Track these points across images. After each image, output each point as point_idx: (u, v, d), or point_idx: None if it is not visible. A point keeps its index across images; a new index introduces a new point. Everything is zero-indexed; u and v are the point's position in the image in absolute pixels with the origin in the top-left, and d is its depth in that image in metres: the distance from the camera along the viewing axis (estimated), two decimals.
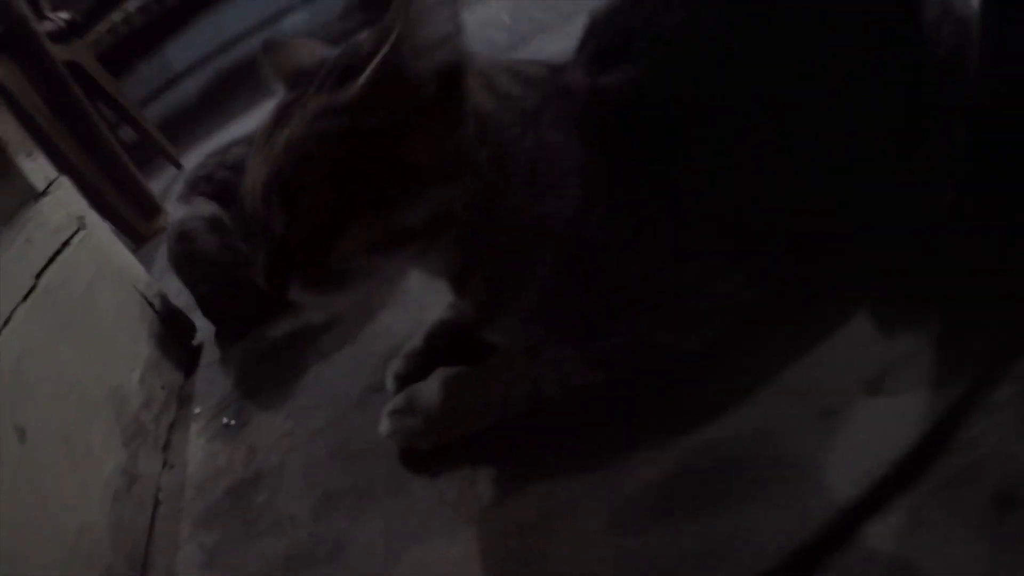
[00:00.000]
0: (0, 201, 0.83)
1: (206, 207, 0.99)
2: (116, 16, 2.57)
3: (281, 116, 0.49)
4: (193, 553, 0.69)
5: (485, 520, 0.54)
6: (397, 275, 0.89)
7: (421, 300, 0.88)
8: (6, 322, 0.70)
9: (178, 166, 2.19)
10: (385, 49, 0.44)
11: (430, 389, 0.62)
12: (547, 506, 0.52)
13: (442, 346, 0.70)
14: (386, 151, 0.46)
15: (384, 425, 0.64)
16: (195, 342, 1.12)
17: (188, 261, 0.98)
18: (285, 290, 0.50)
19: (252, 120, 2.14)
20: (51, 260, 0.83)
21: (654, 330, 0.53)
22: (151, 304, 1.03)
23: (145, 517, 0.76)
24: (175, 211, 1.01)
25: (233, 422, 0.86)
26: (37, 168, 0.90)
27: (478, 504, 0.55)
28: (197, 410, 0.93)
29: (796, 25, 0.50)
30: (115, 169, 1.61)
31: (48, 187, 0.91)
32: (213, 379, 0.99)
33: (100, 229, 1.00)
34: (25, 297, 0.75)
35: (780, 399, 0.50)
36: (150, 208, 1.71)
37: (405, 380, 0.68)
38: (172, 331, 1.05)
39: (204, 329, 1.12)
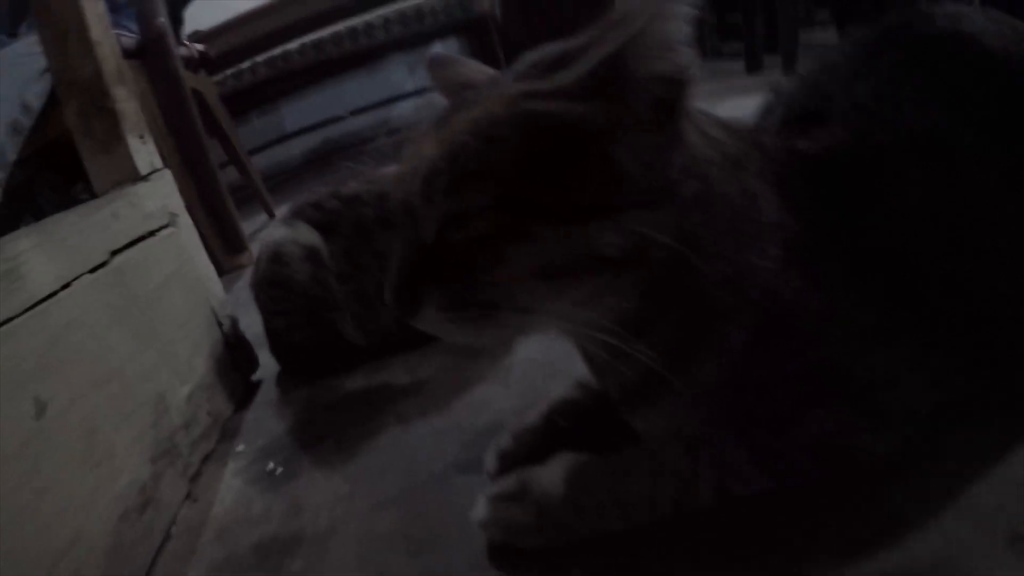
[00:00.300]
0: (102, 173, 0.76)
1: (308, 234, 0.91)
2: (244, 63, 2.72)
3: (456, 108, 0.42)
4: None
5: None
6: (503, 349, 0.84)
7: (529, 378, 0.76)
8: (65, 286, 0.60)
9: (271, 215, 2.19)
10: (619, 40, 0.37)
11: (550, 475, 0.48)
12: None
13: (565, 428, 0.56)
14: (591, 148, 0.38)
15: (481, 511, 0.49)
16: (254, 378, 1.00)
17: (275, 285, 0.89)
18: (414, 309, 0.40)
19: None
20: (132, 243, 0.75)
21: (841, 429, 0.44)
22: (220, 323, 0.94)
23: (150, 547, 0.61)
24: (273, 231, 0.93)
25: (280, 470, 0.72)
26: (145, 153, 0.84)
27: None
28: (240, 448, 0.79)
29: (965, 105, 0.46)
30: (212, 197, 1.59)
31: (150, 174, 0.85)
32: (265, 420, 0.86)
33: (189, 231, 0.92)
34: (94, 269, 0.66)
35: (963, 523, 0.41)
36: (236, 243, 1.68)
37: (510, 462, 0.55)
38: (234, 358, 0.94)
39: (267, 367, 1.01)
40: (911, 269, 0.44)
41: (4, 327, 0.51)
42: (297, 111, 3.31)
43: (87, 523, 0.53)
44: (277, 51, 2.77)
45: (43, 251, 0.58)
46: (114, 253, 0.71)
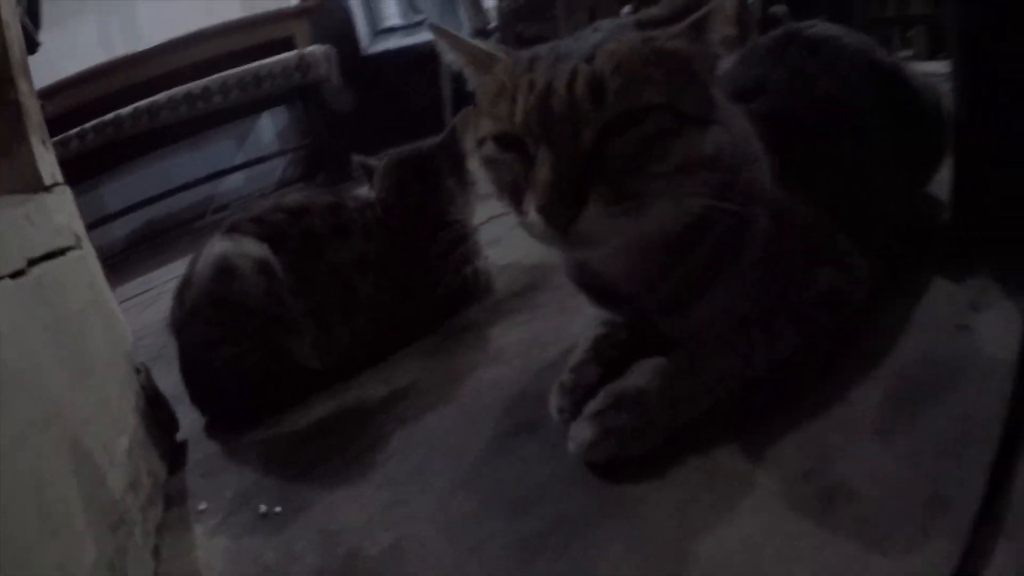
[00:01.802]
0: (7, 172, 0.60)
1: (255, 247, 0.78)
2: (72, 130, 2.41)
3: (570, 50, 0.48)
4: None
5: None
6: (489, 336, 0.83)
7: (524, 355, 0.73)
8: None
9: None
10: (708, 8, 0.48)
11: (637, 381, 0.53)
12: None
13: (613, 356, 0.60)
14: (696, 77, 0.49)
15: (586, 432, 0.50)
16: (178, 438, 0.81)
17: (221, 304, 0.74)
18: (577, 210, 0.44)
19: (175, 269, 1.97)
20: (48, 256, 0.59)
21: (838, 280, 0.57)
22: (137, 371, 0.76)
23: None
24: (212, 247, 0.79)
25: (278, 509, 0.57)
26: (48, 161, 0.68)
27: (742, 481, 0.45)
28: (203, 506, 0.63)
29: (842, 79, 0.68)
30: None
31: (53, 186, 0.68)
32: (218, 472, 0.70)
33: (94, 261, 0.75)
34: (14, 275, 0.50)
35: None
36: None
37: (580, 394, 0.56)
38: (155, 414, 0.76)
39: (186, 428, 0.83)
40: (828, 178, 0.60)
41: None
42: (119, 189, 2.96)
43: None
44: (108, 116, 2.49)
45: None
46: (31, 263, 0.54)
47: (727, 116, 0.52)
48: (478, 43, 0.55)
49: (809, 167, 0.59)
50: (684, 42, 0.47)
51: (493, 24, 2.45)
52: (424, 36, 2.78)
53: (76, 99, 2.48)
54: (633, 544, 0.42)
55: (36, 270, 0.55)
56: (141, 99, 2.54)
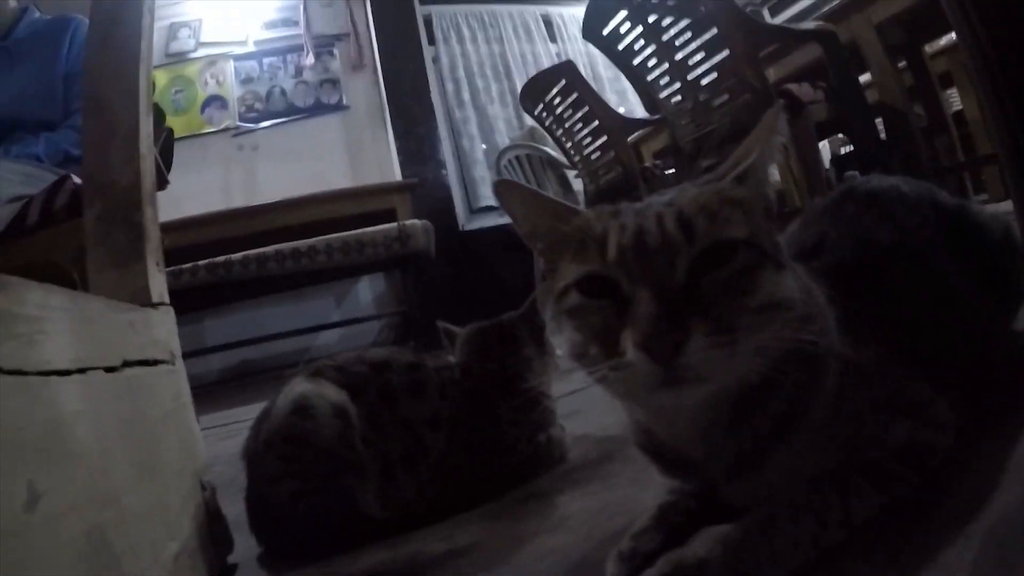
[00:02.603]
0: (109, 290, 0.69)
1: (334, 392, 0.83)
2: (186, 264, 2.69)
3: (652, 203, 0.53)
4: None
5: None
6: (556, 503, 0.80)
7: (588, 523, 0.70)
8: (80, 371, 0.50)
9: None
10: (749, 162, 0.53)
11: (698, 550, 0.49)
12: None
13: (678, 523, 0.58)
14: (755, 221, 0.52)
15: None
16: (230, 560, 0.81)
17: (292, 441, 0.78)
18: (680, 343, 0.44)
19: (255, 409, 2.07)
20: (142, 362, 0.65)
21: (920, 432, 0.55)
22: (203, 487, 0.78)
23: None
24: (294, 385, 0.84)
25: None
26: (159, 282, 0.78)
27: None
28: None
29: (903, 225, 0.70)
30: None
31: (159, 304, 0.77)
32: None
33: (183, 380, 0.82)
34: (107, 369, 0.56)
35: None
36: None
37: (637, 563, 0.53)
38: (212, 531, 0.78)
39: (239, 554, 0.83)
40: (895, 327, 0.59)
41: (13, 377, 0.40)
42: (220, 326, 3.23)
43: None
44: (220, 259, 2.78)
45: (69, 319, 0.49)
46: (126, 364, 0.61)
47: (793, 268, 0.54)
48: (556, 197, 0.59)
49: (873, 319, 0.59)
50: (741, 191, 0.52)
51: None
52: None
53: (193, 238, 2.81)
54: None
55: (128, 371, 0.61)
56: (252, 248, 2.84)
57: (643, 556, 0.52)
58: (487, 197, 4.16)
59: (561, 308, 0.52)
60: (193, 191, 3.05)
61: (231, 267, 2.79)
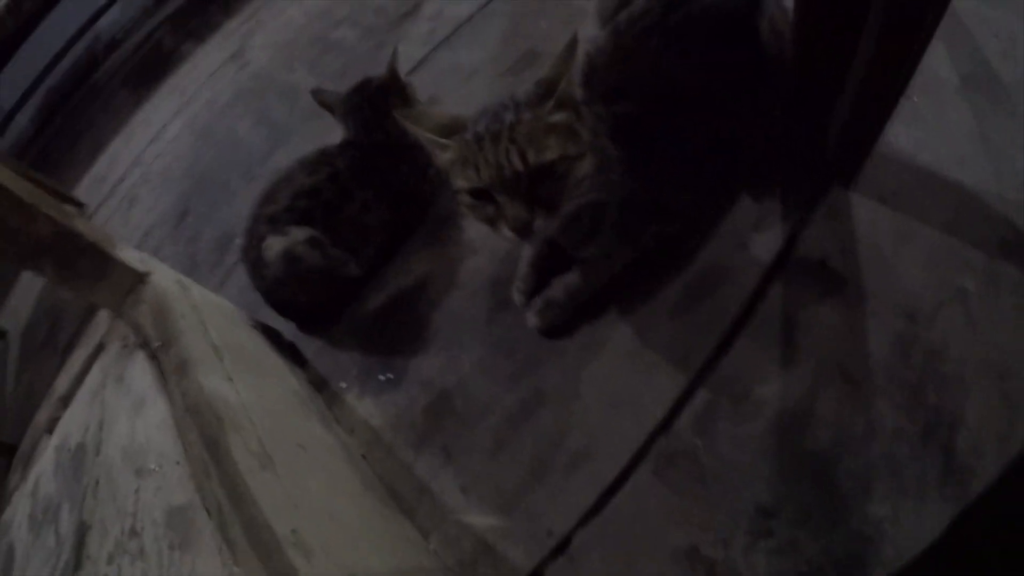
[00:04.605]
0: (111, 289, 0.97)
1: (300, 232, 1.15)
2: None
3: (499, 125, 0.79)
4: (434, 455, 0.96)
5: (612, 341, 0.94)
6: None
7: (491, 247, 1.16)
8: (231, 382, 0.87)
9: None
10: (563, 85, 0.78)
11: (556, 290, 0.98)
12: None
13: (543, 266, 1.04)
14: (573, 128, 0.80)
15: (533, 319, 0.98)
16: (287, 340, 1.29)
17: (296, 277, 1.15)
18: (531, 222, 0.78)
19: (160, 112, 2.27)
20: (202, 322, 0.99)
21: (663, 226, 0.96)
22: (252, 324, 1.20)
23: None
24: (272, 243, 1.15)
25: (391, 376, 1.09)
26: (131, 255, 1.03)
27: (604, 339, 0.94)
28: (343, 384, 1.14)
29: (697, 60, 0.90)
30: None
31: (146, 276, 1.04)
32: (331, 360, 1.19)
33: (188, 282, 1.14)
34: (221, 358, 0.92)
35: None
36: None
37: (529, 291, 1.02)
38: (271, 338, 1.23)
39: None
40: (661, 163, 0.90)
41: None
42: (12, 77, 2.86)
43: (349, 484, 0.89)
44: None
45: None
46: (212, 342, 0.96)
47: (594, 143, 0.82)
48: (429, 135, 0.83)
49: (647, 154, 0.89)
50: (559, 116, 0.78)
51: None
52: None
53: None
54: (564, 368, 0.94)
55: (213, 339, 0.97)
56: None
57: (529, 290, 1.01)
58: None
59: (459, 199, 0.84)
60: None
61: None
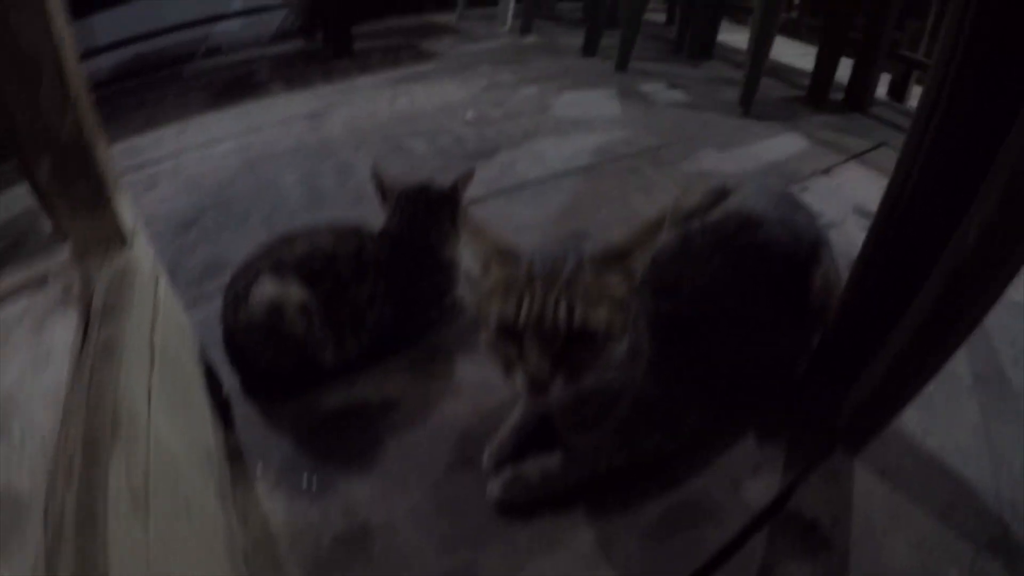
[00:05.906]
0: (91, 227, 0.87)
1: (298, 291, 1.06)
2: None
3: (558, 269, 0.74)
4: None
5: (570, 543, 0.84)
6: (455, 364, 1.14)
7: (476, 398, 1.08)
8: (148, 399, 0.73)
9: None
10: (634, 258, 0.75)
11: (530, 468, 0.90)
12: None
13: (525, 436, 0.96)
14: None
15: (496, 491, 0.89)
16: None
17: (271, 333, 1.05)
18: (551, 381, 0.71)
19: (166, 141, 2.21)
20: (154, 320, 0.86)
21: (663, 441, 0.92)
22: (199, 358, 1.06)
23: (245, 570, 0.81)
24: (265, 285, 1.06)
25: (315, 484, 0.94)
26: (127, 211, 0.92)
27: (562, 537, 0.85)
28: (259, 468, 0.98)
29: (750, 285, 0.94)
30: None
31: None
32: (259, 435, 1.04)
33: (162, 277, 1.02)
34: (153, 365, 0.78)
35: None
36: None
37: (502, 460, 0.92)
38: (209, 382, 1.08)
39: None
40: (686, 371, 0.90)
41: None
42: (110, 20, 2.89)
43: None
44: None
45: None
46: (151, 341, 0.84)
47: (633, 328, 0.77)
48: (494, 244, 0.79)
49: (673, 360, 0.88)
50: (620, 288, 0.74)
51: None
52: None
53: None
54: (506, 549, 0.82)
55: (156, 341, 0.84)
56: None
57: (503, 457, 0.92)
58: None
59: (482, 329, 0.77)
60: None
61: None
